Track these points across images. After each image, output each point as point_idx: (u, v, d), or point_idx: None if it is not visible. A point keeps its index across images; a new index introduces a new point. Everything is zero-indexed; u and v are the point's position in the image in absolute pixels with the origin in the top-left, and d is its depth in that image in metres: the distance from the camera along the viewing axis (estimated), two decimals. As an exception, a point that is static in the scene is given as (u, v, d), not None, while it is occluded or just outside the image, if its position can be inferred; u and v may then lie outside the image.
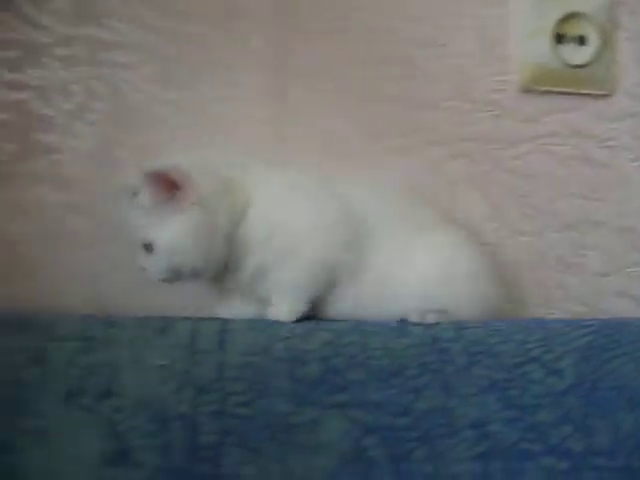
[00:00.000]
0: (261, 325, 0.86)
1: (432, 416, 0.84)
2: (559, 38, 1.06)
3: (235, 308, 0.90)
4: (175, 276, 0.84)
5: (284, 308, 0.88)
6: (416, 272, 0.91)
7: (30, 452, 0.77)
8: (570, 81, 1.06)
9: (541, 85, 1.06)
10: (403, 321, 0.90)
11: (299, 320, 0.88)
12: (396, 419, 0.83)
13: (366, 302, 0.90)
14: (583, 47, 1.06)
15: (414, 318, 0.90)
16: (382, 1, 1.04)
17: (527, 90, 1.06)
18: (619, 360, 0.90)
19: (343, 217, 0.89)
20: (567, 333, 0.92)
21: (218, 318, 0.87)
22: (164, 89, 0.99)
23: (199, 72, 1.00)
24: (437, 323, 0.91)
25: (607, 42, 1.06)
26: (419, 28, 1.05)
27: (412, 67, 1.04)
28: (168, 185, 0.81)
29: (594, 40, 1.06)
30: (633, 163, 1.09)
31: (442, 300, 0.91)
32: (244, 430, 0.79)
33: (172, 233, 0.83)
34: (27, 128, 0.97)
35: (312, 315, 0.88)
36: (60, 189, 0.97)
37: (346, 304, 0.90)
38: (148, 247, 0.83)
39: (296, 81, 1.02)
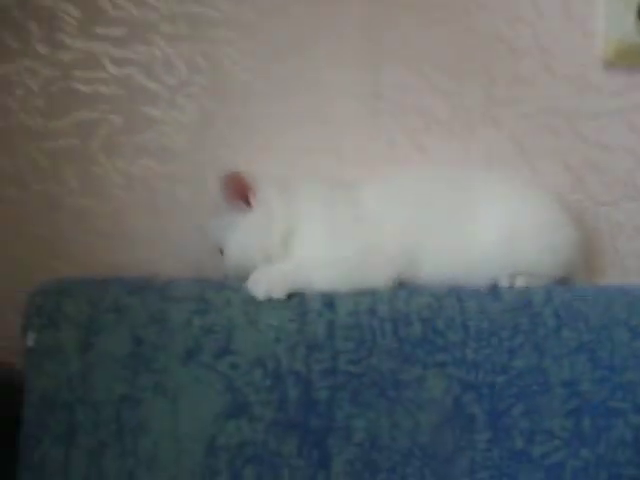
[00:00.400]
0: (363, 289, 0.90)
1: (527, 375, 0.89)
2: None
3: None
4: (242, 272, 0.89)
5: None
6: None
7: (152, 406, 0.83)
8: None
9: (624, 60, 1.09)
10: (494, 287, 0.94)
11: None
12: (494, 377, 0.87)
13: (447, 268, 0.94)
14: None
15: (504, 283, 0.94)
16: None
17: (611, 65, 1.09)
18: None
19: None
20: None
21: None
22: (262, 63, 1.04)
23: (295, 47, 1.04)
24: (526, 287, 0.94)
25: None
26: (509, 6, 1.07)
27: (501, 43, 1.07)
28: (239, 188, 0.90)
29: None
30: None
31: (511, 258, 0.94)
32: (354, 386, 0.84)
33: (239, 235, 0.91)
34: (133, 102, 1.02)
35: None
36: (164, 161, 1.02)
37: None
38: (221, 251, 0.92)
39: (391, 56, 1.05)
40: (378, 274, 0.90)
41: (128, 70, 1.02)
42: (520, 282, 0.95)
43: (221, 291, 0.87)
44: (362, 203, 0.94)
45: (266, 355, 0.84)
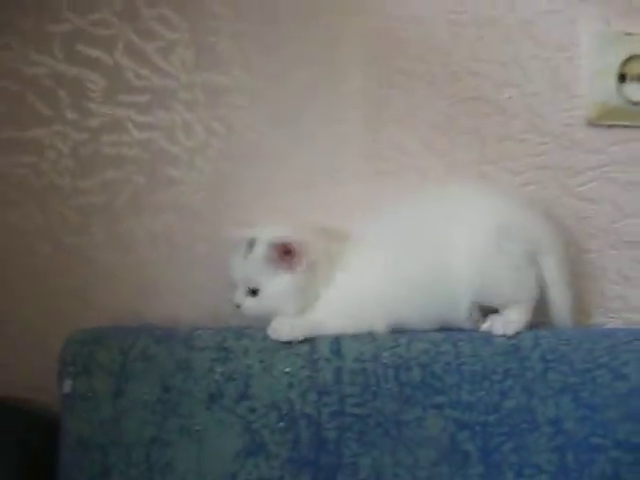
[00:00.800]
0: (367, 336, 1.00)
1: (516, 414, 0.98)
2: (622, 78, 1.18)
3: None
4: (265, 316, 1.00)
5: None
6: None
7: (179, 447, 0.94)
8: (632, 116, 1.18)
9: (606, 120, 1.18)
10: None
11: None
12: (486, 417, 0.97)
13: None
14: None
15: (497, 330, 1.03)
16: (466, 47, 1.16)
17: (593, 124, 1.19)
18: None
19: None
20: (630, 342, 1.05)
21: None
22: (272, 127, 1.14)
23: (303, 111, 1.14)
24: (517, 333, 1.04)
25: None
26: (498, 71, 1.17)
27: (491, 105, 1.17)
28: (287, 251, 0.98)
29: None
30: None
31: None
32: (360, 427, 0.95)
33: (280, 287, 1.00)
34: (155, 163, 1.13)
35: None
36: (184, 218, 1.12)
37: None
38: (255, 291, 1.00)
39: (390, 118, 1.15)
40: (376, 323, 1.01)
41: (150, 134, 1.13)
42: (510, 329, 1.04)
43: (239, 340, 0.98)
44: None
45: (280, 399, 0.95)
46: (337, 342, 0.98)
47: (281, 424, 0.93)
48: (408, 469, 0.95)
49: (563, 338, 1.05)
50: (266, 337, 0.99)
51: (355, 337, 1.00)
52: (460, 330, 1.03)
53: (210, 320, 1.07)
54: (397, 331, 1.01)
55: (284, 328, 0.97)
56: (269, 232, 1.01)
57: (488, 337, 1.03)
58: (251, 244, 1.01)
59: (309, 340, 0.98)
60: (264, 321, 0.99)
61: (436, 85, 1.17)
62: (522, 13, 1.17)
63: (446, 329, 1.03)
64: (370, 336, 1.00)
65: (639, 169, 1.20)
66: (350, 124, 1.15)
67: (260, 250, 0.99)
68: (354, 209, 1.14)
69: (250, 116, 1.14)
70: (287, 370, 0.95)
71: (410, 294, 1.01)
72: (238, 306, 1.02)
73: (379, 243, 1.05)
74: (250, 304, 1.01)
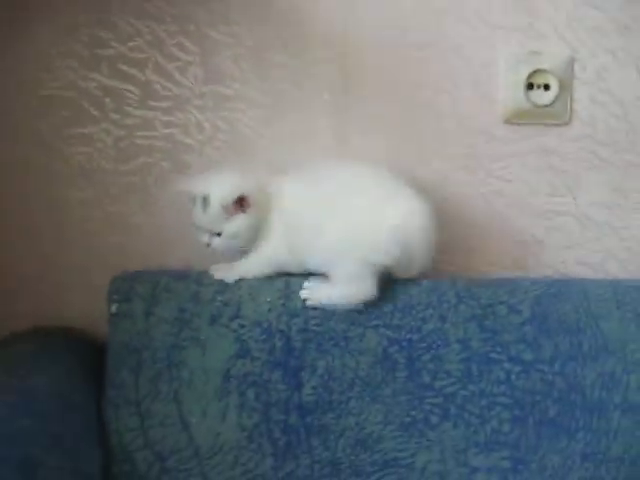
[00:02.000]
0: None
1: (434, 334, 1.30)
2: (530, 86, 1.46)
3: None
4: (231, 250, 1.29)
5: None
6: None
7: (189, 351, 1.26)
8: (537, 116, 1.49)
9: (518, 119, 1.47)
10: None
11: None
12: (411, 335, 1.30)
13: None
14: (547, 92, 1.48)
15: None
16: (410, 65, 1.47)
17: (509, 123, 1.46)
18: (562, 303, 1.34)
19: None
20: (528, 287, 1.36)
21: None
22: (263, 127, 1.46)
23: (285, 116, 1.46)
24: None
25: (564, 88, 1.47)
26: (437, 83, 1.45)
27: (432, 109, 1.46)
28: (241, 201, 1.25)
29: (555, 87, 1.47)
30: (586, 170, 1.53)
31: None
32: (319, 340, 1.27)
33: (237, 227, 1.26)
34: (175, 152, 1.45)
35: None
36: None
37: None
38: (219, 234, 1.27)
39: (354, 123, 1.46)
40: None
41: (172, 130, 1.43)
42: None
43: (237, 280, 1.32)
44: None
45: (262, 320, 1.27)
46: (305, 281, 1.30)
47: (262, 337, 1.27)
48: (352, 370, 1.27)
49: (474, 281, 1.36)
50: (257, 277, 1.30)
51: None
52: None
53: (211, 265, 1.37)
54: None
55: (221, 273, 1.29)
56: (219, 189, 1.24)
57: (417, 280, 1.34)
58: (206, 200, 1.24)
59: (284, 278, 1.30)
60: (232, 256, 1.30)
61: (387, 94, 1.47)
62: (454, 39, 1.46)
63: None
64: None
65: (543, 157, 1.49)
66: (320, 128, 1.46)
67: (216, 207, 1.23)
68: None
69: (246, 117, 1.44)
70: (268, 299, 1.28)
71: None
72: (208, 245, 1.27)
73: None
74: (216, 243, 1.27)
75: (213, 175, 1.29)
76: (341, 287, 1.27)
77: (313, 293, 1.27)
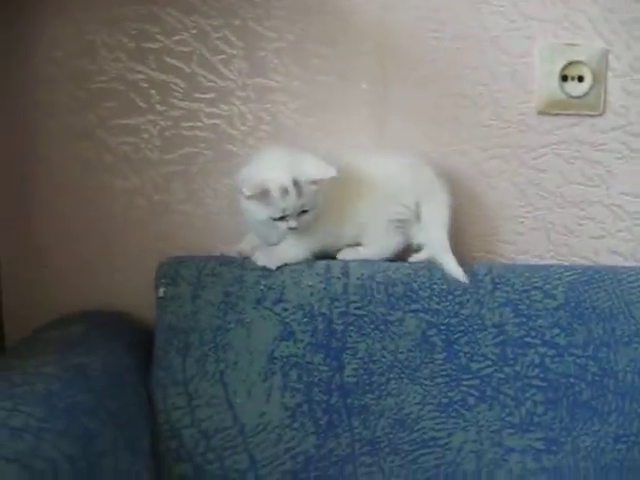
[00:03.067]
0: (366, 262, 1.39)
1: (470, 319, 1.34)
2: (564, 78, 1.49)
3: None
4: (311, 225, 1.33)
5: None
6: None
7: (235, 333, 1.31)
8: (571, 107, 1.52)
9: (552, 110, 1.51)
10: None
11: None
12: (449, 319, 1.34)
13: None
14: (581, 83, 1.51)
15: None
16: (448, 57, 1.51)
17: (543, 113, 1.51)
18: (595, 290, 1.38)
19: None
20: (561, 273, 1.40)
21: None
22: (304, 117, 1.50)
23: (325, 106, 1.50)
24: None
25: (598, 79, 1.50)
26: (474, 74, 1.49)
27: (469, 100, 1.50)
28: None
29: (589, 78, 1.51)
30: (618, 160, 1.57)
31: None
32: (359, 323, 1.32)
33: (319, 201, 1.32)
34: (219, 142, 1.50)
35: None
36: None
37: None
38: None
39: (393, 113, 1.51)
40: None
41: (216, 121, 1.48)
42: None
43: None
44: None
45: (304, 303, 1.32)
46: (345, 265, 1.35)
47: (305, 319, 1.32)
48: (391, 352, 1.32)
49: (509, 267, 1.41)
50: (299, 262, 1.35)
51: (358, 262, 1.37)
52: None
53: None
54: (390, 259, 1.39)
55: (264, 259, 1.34)
56: (308, 168, 1.29)
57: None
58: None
59: (324, 262, 1.35)
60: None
61: (425, 85, 1.51)
62: (491, 31, 1.49)
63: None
64: (367, 262, 1.37)
65: (577, 147, 1.53)
66: (359, 116, 1.51)
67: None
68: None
69: (287, 108, 1.49)
70: (310, 283, 1.32)
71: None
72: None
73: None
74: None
75: (269, 166, 1.32)
76: (374, 247, 1.40)
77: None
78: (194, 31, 1.47)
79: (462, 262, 1.37)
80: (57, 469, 0.96)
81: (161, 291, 1.32)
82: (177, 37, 1.48)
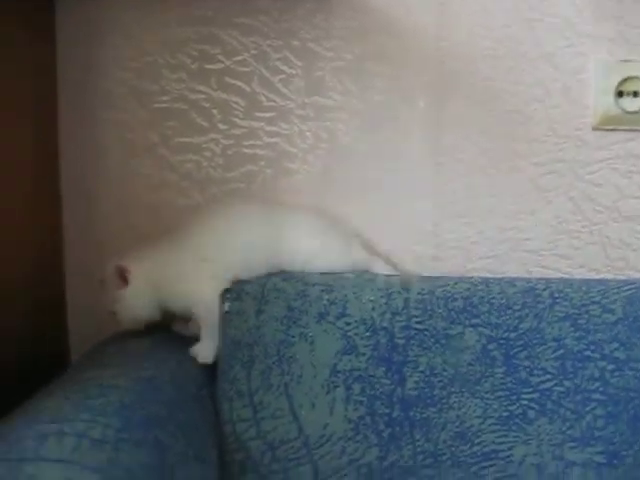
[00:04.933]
0: (425, 277, 1.42)
1: (530, 333, 1.36)
2: (620, 94, 1.50)
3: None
4: (136, 325, 1.35)
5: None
6: None
7: (298, 347, 1.33)
8: (627, 122, 1.53)
9: (607, 125, 1.52)
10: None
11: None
12: (508, 334, 1.36)
13: None
14: (636, 98, 1.52)
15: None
16: (502, 74, 1.54)
17: (597, 129, 1.51)
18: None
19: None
20: (620, 287, 1.40)
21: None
22: (361, 134, 1.54)
23: (382, 124, 1.54)
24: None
25: None
26: (528, 91, 1.51)
27: (523, 116, 1.52)
28: (121, 274, 1.31)
29: None
30: None
31: None
32: (420, 337, 1.34)
33: (125, 302, 1.33)
34: (279, 160, 1.53)
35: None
36: (298, 198, 1.54)
37: None
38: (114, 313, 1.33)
39: (448, 129, 1.54)
40: None
41: (276, 139, 1.51)
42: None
43: (339, 278, 1.39)
44: None
45: (366, 317, 1.34)
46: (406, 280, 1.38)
47: (367, 333, 1.34)
48: (452, 366, 1.33)
49: (567, 282, 1.42)
50: (360, 276, 1.39)
51: (419, 277, 1.40)
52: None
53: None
54: (448, 276, 1.43)
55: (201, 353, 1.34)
56: (106, 268, 1.31)
57: (512, 280, 1.40)
58: (102, 282, 1.34)
59: (384, 278, 1.39)
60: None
61: (483, 102, 1.53)
62: (545, 48, 1.51)
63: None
64: (427, 277, 1.41)
65: (633, 161, 1.54)
66: (415, 135, 1.54)
67: (107, 283, 1.32)
68: (419, 197, 1.55)
69: (345, 126, 1.52)
70: (371, 298, 1.34)
71: None
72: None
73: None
74: (118, 322, 1.34)
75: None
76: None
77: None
78: (254, 52, 1.52)
79: (519, 277, 1.40)
80: (135, 479, 0.99)
81: (226, 306, 1.35)
82: (238, 58, 1.52)
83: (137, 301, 1.33)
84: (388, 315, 1.35)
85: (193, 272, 1.34)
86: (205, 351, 1.34)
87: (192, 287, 1.34)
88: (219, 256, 1.35)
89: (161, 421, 1.14)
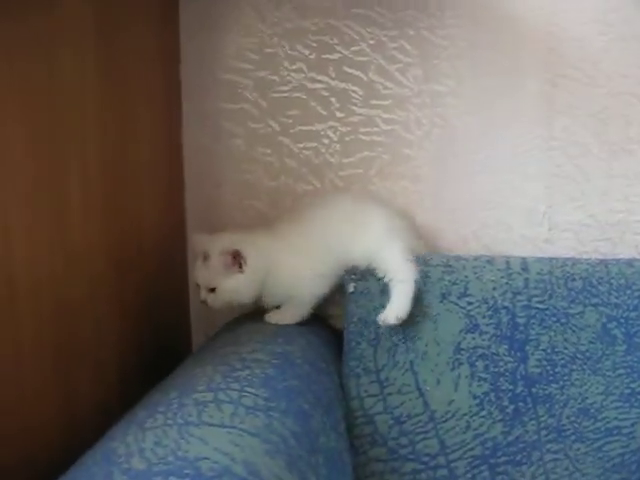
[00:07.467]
0: (543, 258, 1.45)
1: None
2: None
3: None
4: (227, 307, 1.38)
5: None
6: None
7: (420, 325, 1.39)
8: None
9: None
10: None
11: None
12: (628, 313, 1.38)
13: None
14: None
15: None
16: (613, 56, 1.55)
17: None
18: None
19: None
20: None
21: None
22: (475, 119, 1.58)
23: (495, 108, 1.57)
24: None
25: None
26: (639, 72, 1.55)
27: (637, 97, 1.53)
28: (236, 257, 1.34)
29: None
30: None
31: None
32: (541, 316, 1.37)
33: (233, 284, 1.35)
34: (396, 146, 1.59)
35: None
36: (416, 183, 1.60)
37: None
38: (213, 289, 1.35)
39: (560, 111, 1.57)
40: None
41: (392, 126, 1.56)
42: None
43: (459, 260, 1.43)
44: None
45: (488, 297, 1.38)
46: (524, 262, 1.41)
47: (488, 312, 1.39)
48: (573, 344, 1.37)
49: None
50: (478, 258, 1.43)
51: (536, 258, 1.43)
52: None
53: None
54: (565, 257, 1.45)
55: (279, 318, 1.40)
56: (218, 244, 1.33)
57: (630, 261, 1.43)
58: (205, 255, 1.33)
59: (505, 258, 1.42)
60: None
61: (591, 85, 1.55)
62: None
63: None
64: (544, 258, 1.44)
65: None
66: (526, 117, 1.57)
67: (214, 259, 1.32)
68: (531, 180, 1.59)
69: (459, 112, 1.56)
70: (492, 278, 1.39)
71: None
72: (204, 302, 1.36)
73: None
74: (211, 299, 1.35)
75: (215, 234, 1.38)
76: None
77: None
78: (371, 42, 1.56)
79: (636, 258, 1.44)
80: (287, 445, 1.05)
81: (351, 286, 1.40)
82: (355, 48, 1.56)
83: (245, 288, 1.37)
84: (509, 295, 1.39)
85: (302, 262, 1.40)
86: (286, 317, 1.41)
87: (298, 274, 1.41)
88: (330, 246, 1.42)
89: (301, 393, 1.20)
